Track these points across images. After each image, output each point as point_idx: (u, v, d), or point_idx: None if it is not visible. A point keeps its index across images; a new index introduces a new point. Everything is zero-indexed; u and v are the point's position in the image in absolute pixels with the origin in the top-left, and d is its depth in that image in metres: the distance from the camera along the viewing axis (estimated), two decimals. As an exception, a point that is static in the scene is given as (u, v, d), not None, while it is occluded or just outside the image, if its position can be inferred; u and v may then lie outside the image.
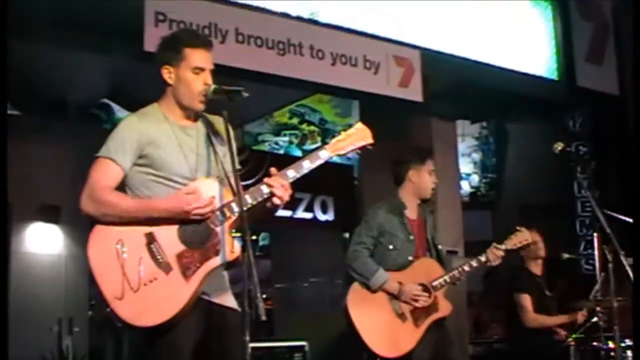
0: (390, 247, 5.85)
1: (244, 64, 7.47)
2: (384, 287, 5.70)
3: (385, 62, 8.57)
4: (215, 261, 3.78)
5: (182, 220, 3.79)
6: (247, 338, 3.48)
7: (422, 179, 5.96)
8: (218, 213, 3.81)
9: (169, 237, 3.79)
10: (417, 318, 5.70)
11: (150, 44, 6.38)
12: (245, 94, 3.78)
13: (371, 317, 5.70)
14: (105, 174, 3.86)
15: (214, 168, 4.01)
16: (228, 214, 3.82)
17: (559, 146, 5.43)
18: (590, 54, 11.26)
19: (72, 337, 9.41)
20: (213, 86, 3.90)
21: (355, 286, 5.80)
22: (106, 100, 11.42)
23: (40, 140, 9.77)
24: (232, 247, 3.79)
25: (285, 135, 15.49)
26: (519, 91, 10.31)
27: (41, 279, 9.85)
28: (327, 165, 4.00)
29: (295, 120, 15.58)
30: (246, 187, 3.87)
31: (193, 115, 4.06)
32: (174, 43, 4.02)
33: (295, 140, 15.50)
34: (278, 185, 3.80)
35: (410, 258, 5.86)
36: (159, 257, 3.76)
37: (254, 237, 7.41)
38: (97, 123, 11.19)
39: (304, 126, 15.60)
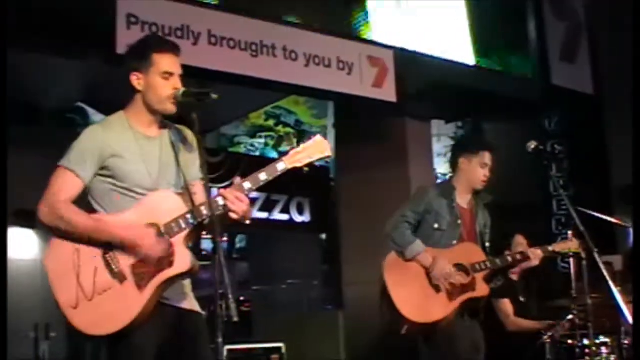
0: (436, 226, 5.85)
1: (216, 66, 7.44)
2: (417, 258, 5.72)
3: (358, 63, 8.56)
4: (169, 272, 3.80)
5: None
6: (220, 340, 3.49)
7: (471, 169, 5.98)
8: (173, 224, 3.81)
9: None
10: (452, 293, 5.70)
11: (123, 46, 6.27)
12: (215, 96, 3.78)
13: (406, 283, 5.73)
14: (64, 186, 3.87)
15: (177, 177, 4.03)
16: (183, 225, 3.82)
17: (532, 145, 5.49)
18: (564, 53, 11.31)
19: (49, 343, 9.37)
20: (182, 89, 3.91)
21: (392, 255, 5.84)
22: (81, 104, 11.38)
23: (16, 145, 9.67)
24: (186, 259, 3.81)
25: (261, 137, 15.47)
26: (493, 90, 10.33)
27: (17, 284, 9.76)
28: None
29: (271, 122, 15.58)
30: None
31: (160, 123, 4.07)
32: (142, 49, 4.02)
33: (271, 142, 15.48)
34: (232, 198, 3.79)
35: (454, 242, 5.87)
36: (113, 267, 3.79)
37: (225, 239, 7.40)
38: (73, 127, 11.14)
39: (279, 128, 15.60)
